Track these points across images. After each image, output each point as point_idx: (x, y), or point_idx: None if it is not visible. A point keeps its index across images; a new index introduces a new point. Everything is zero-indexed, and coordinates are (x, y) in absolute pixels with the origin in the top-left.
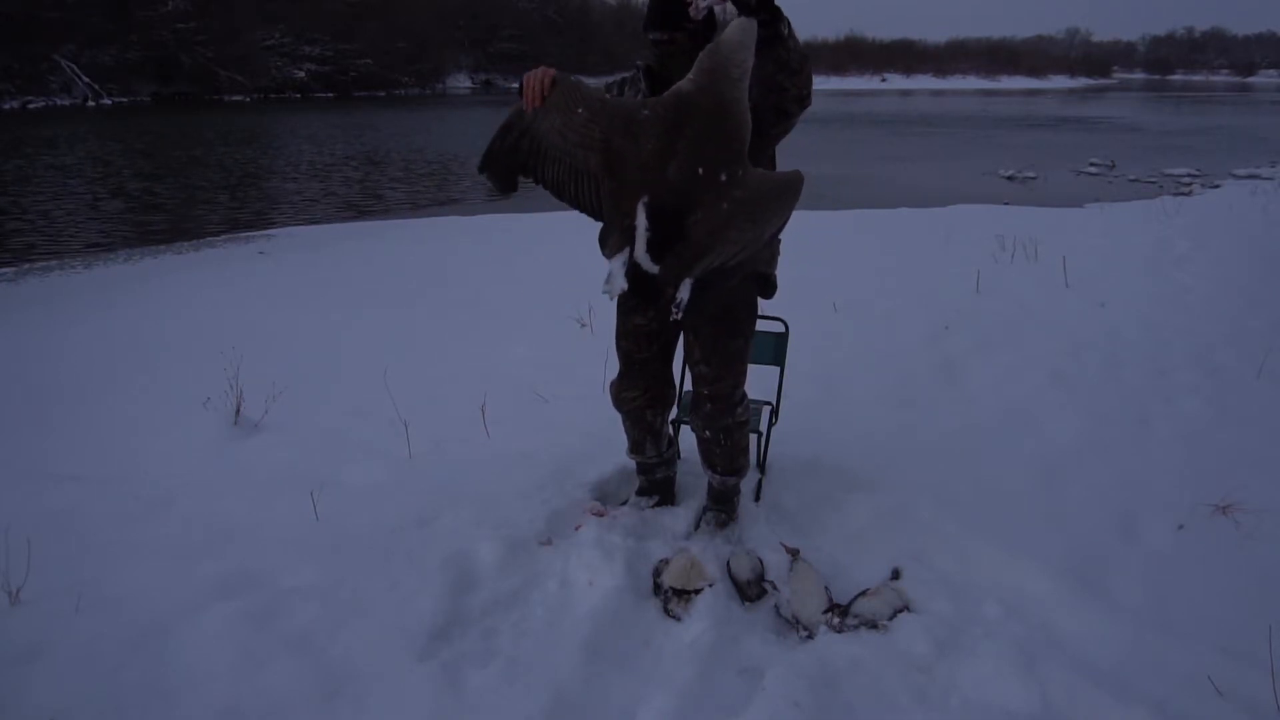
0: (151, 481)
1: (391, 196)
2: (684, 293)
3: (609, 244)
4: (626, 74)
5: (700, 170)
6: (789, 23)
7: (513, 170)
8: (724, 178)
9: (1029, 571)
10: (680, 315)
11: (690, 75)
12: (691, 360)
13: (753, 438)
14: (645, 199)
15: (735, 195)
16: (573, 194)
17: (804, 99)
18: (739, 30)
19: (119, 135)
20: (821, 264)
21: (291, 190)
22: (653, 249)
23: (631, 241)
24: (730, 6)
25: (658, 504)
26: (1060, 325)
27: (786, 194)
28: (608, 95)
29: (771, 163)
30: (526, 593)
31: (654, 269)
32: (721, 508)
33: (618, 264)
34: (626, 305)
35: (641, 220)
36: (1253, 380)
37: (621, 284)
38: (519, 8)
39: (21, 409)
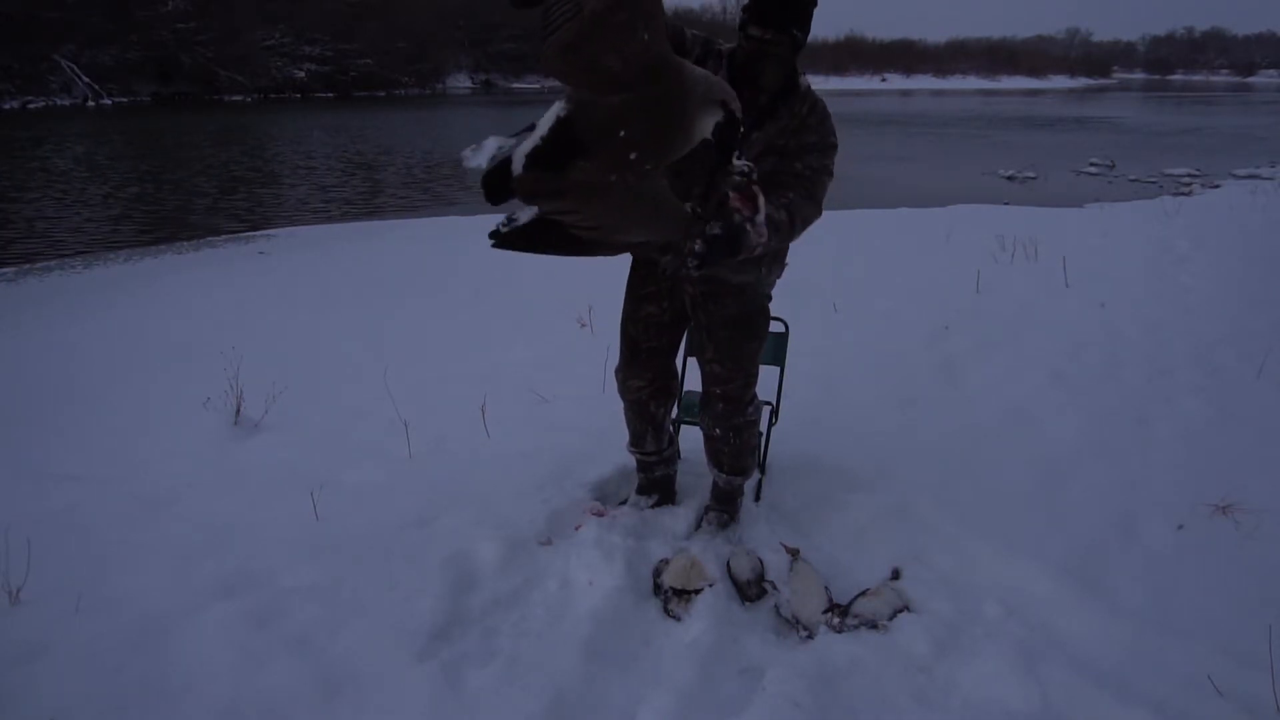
0: (152, 481)
1: (392, 196)
2: (522, 216)
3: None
4: (705, 35)
5: (622, 132)
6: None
7: None
8: (633, 156)
9: (1029, 571)
10: (494, 240)
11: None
12: (704, 359)
13: None
14: (561, 112)
15: (629, 180)
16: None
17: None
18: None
19: (119, 135)
20: (822, 264)
21: (292, 190)
22: (531, 156)
23: (527, 134)
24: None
25: (657, 503)
26: (1060, 325)
27: (662, 219)
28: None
29: None
30: (526, 593)
31: (516, 171)
32: (724, 508)
33: (493, 143)
34: (640, 292)
35: (545, 124)
36: (1253, 380)
37: (484, 159)
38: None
39: (21, 409)
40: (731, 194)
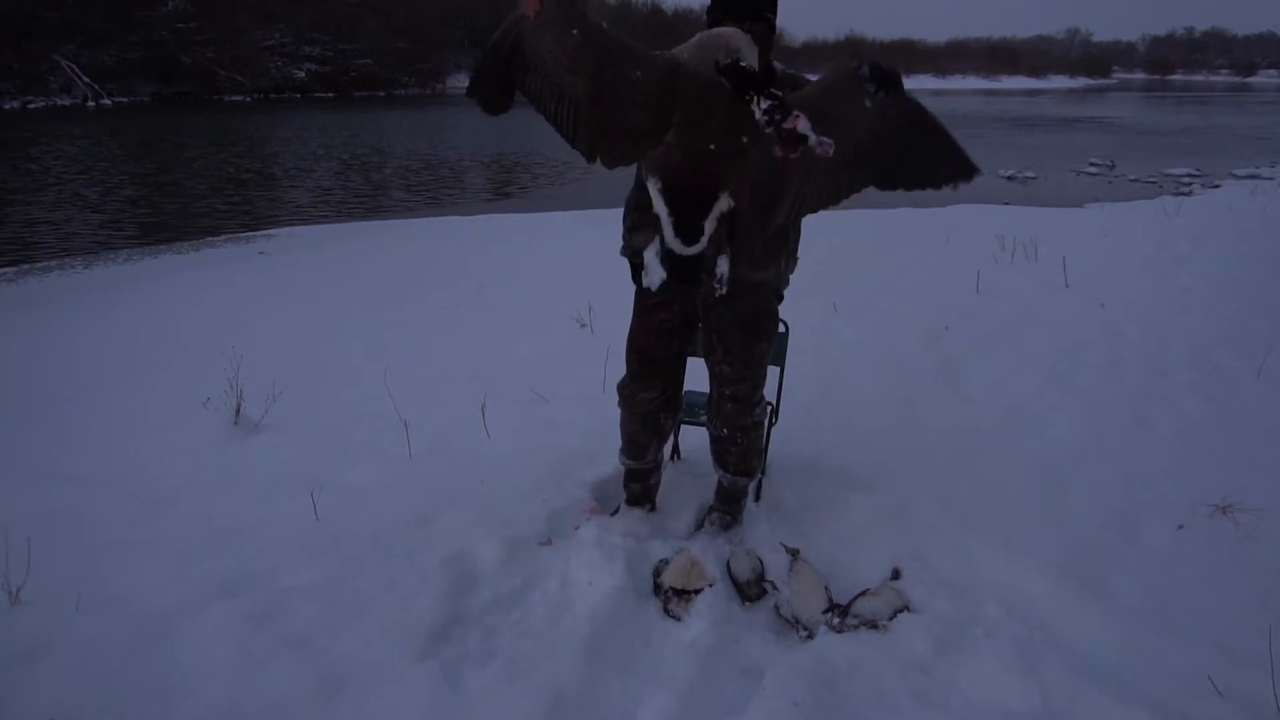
0: (152, 481)
1: (392, 196)
2: (723, 267)
3: (637, 235)
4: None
5: (712, 145)
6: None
7: (502, 80)
8: (745, 139)
9: (1029, 571)
10: (724, 290)
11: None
12: (713, 360)
13: None
14: (658, 184)
15: (765, 151)
16: (553, 112)
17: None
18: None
19: (119, 136)
20: (821, 264)
21: (292, 190)
22: (681, 232)
23: (658, 229)
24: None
25: (647, 512)
26: (1060, 325)
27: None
28: (604, 25)
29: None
30: (526, 593)
31: (688, 251)
32: (728, 509)
33: (651, 254)
34: (649, 302)
35: (661, 206)
36: (1253, 380)
37: (660, 274)
38: None
39: (21, 409)
40: (775, 147)
